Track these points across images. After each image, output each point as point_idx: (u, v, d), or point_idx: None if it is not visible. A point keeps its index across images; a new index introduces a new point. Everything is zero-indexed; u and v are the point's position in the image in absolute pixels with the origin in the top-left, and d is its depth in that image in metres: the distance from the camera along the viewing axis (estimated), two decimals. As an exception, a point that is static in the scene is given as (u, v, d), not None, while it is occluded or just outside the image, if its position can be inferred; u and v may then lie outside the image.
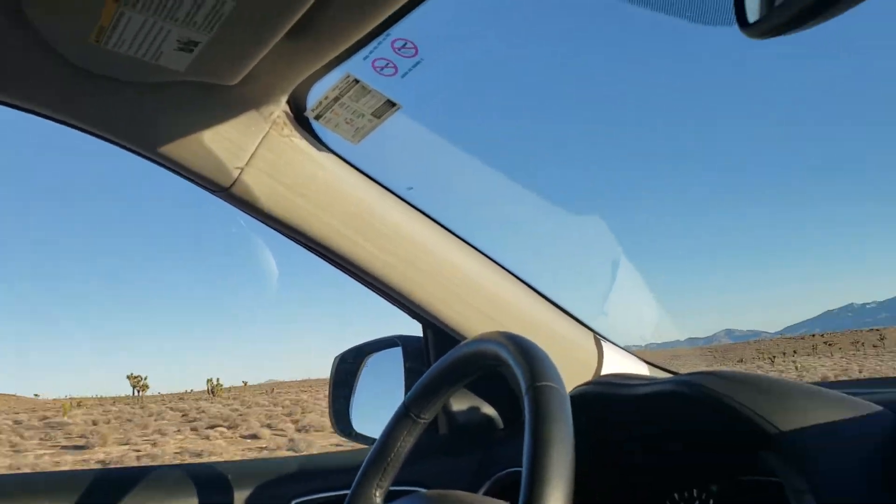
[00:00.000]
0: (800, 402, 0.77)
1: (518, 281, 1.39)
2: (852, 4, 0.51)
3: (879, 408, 0.79)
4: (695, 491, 1.07)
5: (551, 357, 1.39)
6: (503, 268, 1.38)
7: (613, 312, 1.61)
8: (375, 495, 0.96)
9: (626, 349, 1.56)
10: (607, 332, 1.53)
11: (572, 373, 1.37)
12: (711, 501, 1.04)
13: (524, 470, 0.64)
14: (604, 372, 1.43)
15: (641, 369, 1.52)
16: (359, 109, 1.09)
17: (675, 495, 1.10)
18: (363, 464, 0.98)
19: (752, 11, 0.60)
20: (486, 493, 1.30)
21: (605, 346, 1.48)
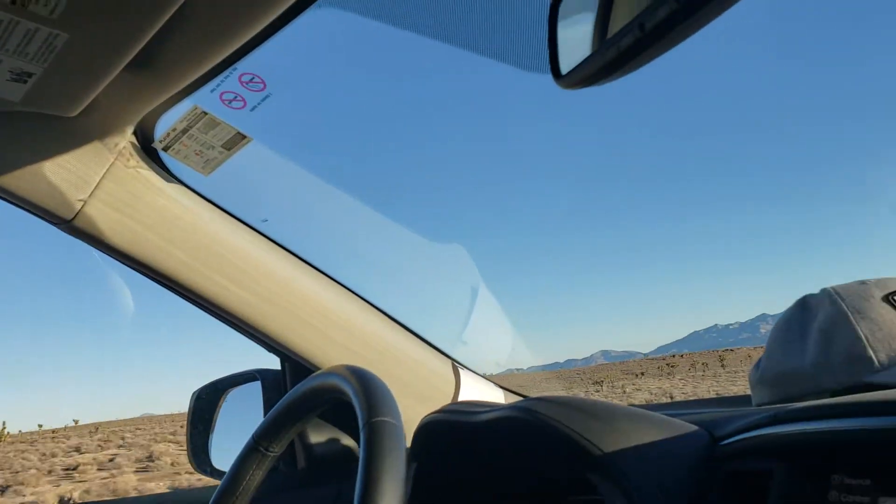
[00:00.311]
0: (623, 424, 0.82)
1: (376, 311, 1.41)
2: (657, 54, 0.56)
3: (696, 427, 0.85)
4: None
5: (410, 385, 1.41)
6: (361, 298, 1.39)
7: (472, 340, 1.65)
8: None
9: (496, 375, 1.60)
10: (466, 359, 1.57)
11: (429, 400, 1.40)
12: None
13: (355, 502, 0.65)
14: (460, 399, 1.47)
15: (497, 395, 1.57)
16: (208, 141, 1.08)
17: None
18: (212, 499, 0.97)
19: (565, 64, 0.65)
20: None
21: (463, 373, 1.52)
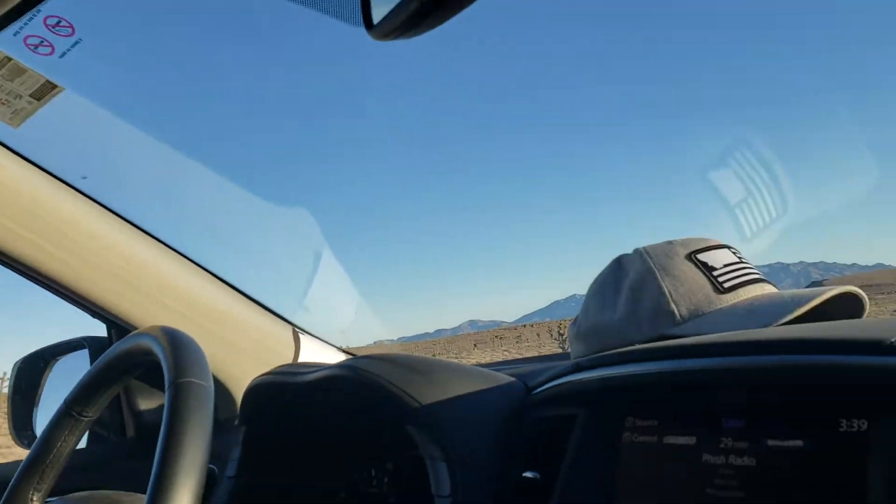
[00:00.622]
0: (442, 376, 0.84)
1: (210, 275, 1.37)
2: (465, 5, 0.56)
3: (513, 378, 0.89)
4: (372, 470, 1.12)
5: (246, 350, 1.38)
6: (194, 262, 1.35)
7: (315, 306, 1.64)
8: (32, 499, 0.89)
9: (365, 346, 1.60)
10: (309, 325, 1.55)
11: (267, 366, 1.38)
12: (387, 479, 1.10)
13: (153, 470, 0.63)
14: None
15: (339, 358, 1.57)
16: (15, 90, 1.00)
17: (355, 475, 1.15)
18: (21, 466, 0.91)
19: (377, 13, 0.64)
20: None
21: (304, 338, 1.50)
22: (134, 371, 0.89)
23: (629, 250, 1.09)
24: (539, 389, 0.82)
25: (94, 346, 1.45)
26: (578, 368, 0.77)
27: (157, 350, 0.75)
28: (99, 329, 1.41)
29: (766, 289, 0.99)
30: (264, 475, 1.06)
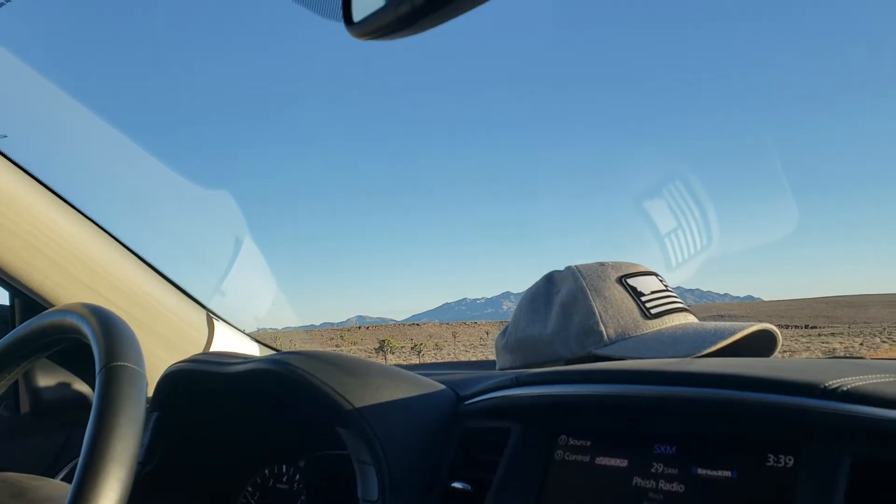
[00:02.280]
0: (376, 380, 0.83)
1: (126, 251, 1.31)
2: (452, 16, 0.56)
3: (443, 386, 0.89)
4: (284, 466, 1.10)
5: (158, 333, 1.33)
6: (111, 236, 1.29)
7: (231, 292, 1.59)
8: None
9: (249, 333, 1.56)
10: (223, 311, 1.51)
11: (178, 350, 1.33)
12: (298, 476, 1.08)
13: (82, 455, 0.60)
14: (213, 350, 1.41)
15: (252, 349, 1.53)
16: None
17: (266, 471, 1.12)
18: None
19: (358, 11, 0.63)
20: (64, 478, 1.21)
21: (218, 324, 1.46)
22: (50, 348, 0.84)
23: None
24: (472, 400, 0.83)
25: (-10, 313, 1.36)
26: (518, 383, 0.78)
27: (86, 329, 0.72)
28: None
29: (689, 318, 1.03)
30: (172, 464, 1.03)
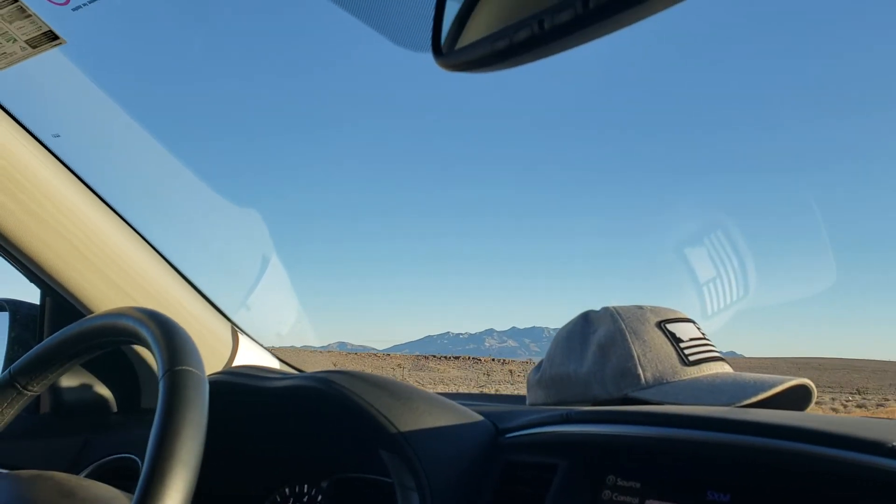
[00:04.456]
0: (420, 405, 0.83)
1: (162, 259, 1.32)
2: (547, 54, 0.57)
3: (481, 417, 0.89)
4: (305, 486, 1.10)
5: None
6: (148, 243, 1.30)
7: (256, 307, 1.59)
8: None
9: (277, 348, 1.56)
10: (247, 325, 1.51)
11: (204, 361, 1.33)
12: (320, 497, 1.08)
13: (148, 455, 0.60)
14: (236, 364, 1.41)
15: (274, 364, 1.53)
16: (11, 32, 0.95)
17: (286, 490, 1.12)
18: None
19: (449, 42, 0.64)
20: (86, 478, 1.20)
21: (242, 338, 1.46)
22: (97, 350, 0.84)
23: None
24: (516, 433, 0.83)
25: (18, 311, 1.36)
26: (568, 420, 0.78)
27: (146, 334, 0.72)
28: (29, 294, 1.34)
29: (726, 368, 1.03)
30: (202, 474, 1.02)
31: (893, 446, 0.56)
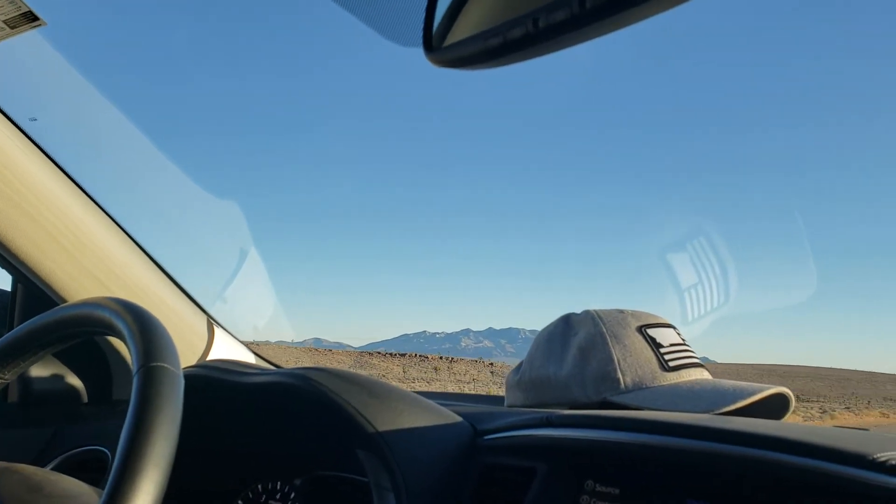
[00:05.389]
0: (399, 405, 0.82)
1: (138, 249, 1.29)
2: (541, 53, 0.56)
3: (460, 418, 0.88)
4: (279, 483, 1.08)
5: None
6: (125, 232, 1.27)
7: (232, 301, 1.58)
8: None
9: (253, 343, 1.54)
10: (222, 318, 1.50)
11: (179, 354, 1.31)
12: (293, 494, 1.06)
13: (119, 453, 0.58)
14: (211, 357, 1.40)
15: (250, 359, 1.52)
16: (-11, 12, 0.92)
17: (259, 486, 1.10)
18: None
19: (439, 38, 0.63)
20: (54, 470, 1.18)
21: (218, 331, 1.44)
22: (71, 340, 0.82)
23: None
24: (495, 435, 0.82)
25: (-13, 297, 1.33)
26: (549, 423, 0.77)
27: (121, 326, 0.70)
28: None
29: (705, 374, 1.03)
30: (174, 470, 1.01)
31: (874, 459, 0.56)
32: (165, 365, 0.65)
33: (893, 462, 0.56)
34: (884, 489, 0.54)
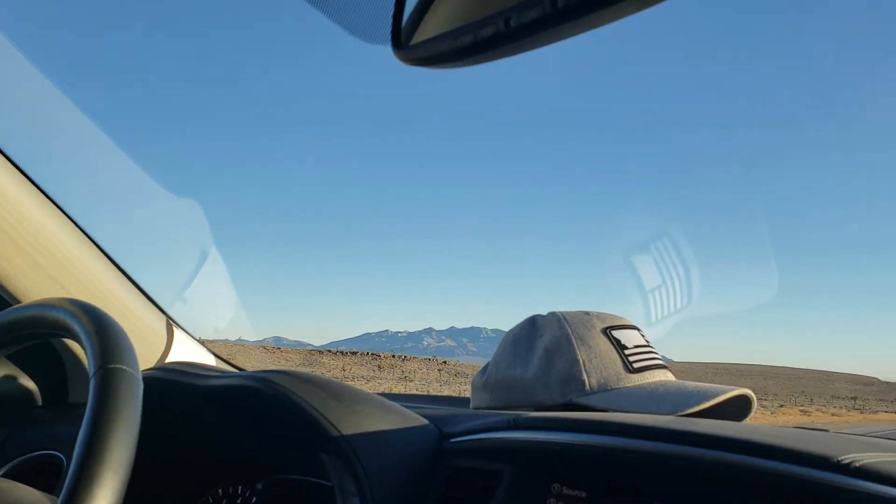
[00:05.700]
0: (363, 408, 0.81)
1: (95, 248, 1.26)
2: (512, 53, 0.56)
3: (426, 421, 0.87)
4: (240, 487, 1.06)
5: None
6: (81, 230, 1.24)
7: (192, 300, 1.54)
8: None
9: (214, 342, 1.51)
10: (182, 318, 1.47)
11: (138, 355, 1.28)
12: (254, 499, 1.04)
13: (75, 457, 0.57)
14: (171, 359, 1.37)
15: (210, 360, 1.49)
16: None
17: (220, 490, 1.08)
18: None
19: (411, 36, 0.62)
20: (3, 476, 1.14)
21: (177, 332, 1.42)
22: (25, 342, 0.80)
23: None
24: (461, 438, 0.81)
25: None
26: (515, 426, 0.77)
27: (77, 328, 0.68)
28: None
29: (668, 376, 1.04)
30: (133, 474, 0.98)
31: (839, 462, 0.57)
32: (123, 367, 0.63)
33: (858, 464, 0.56)
34: (849, 492, 0.54)
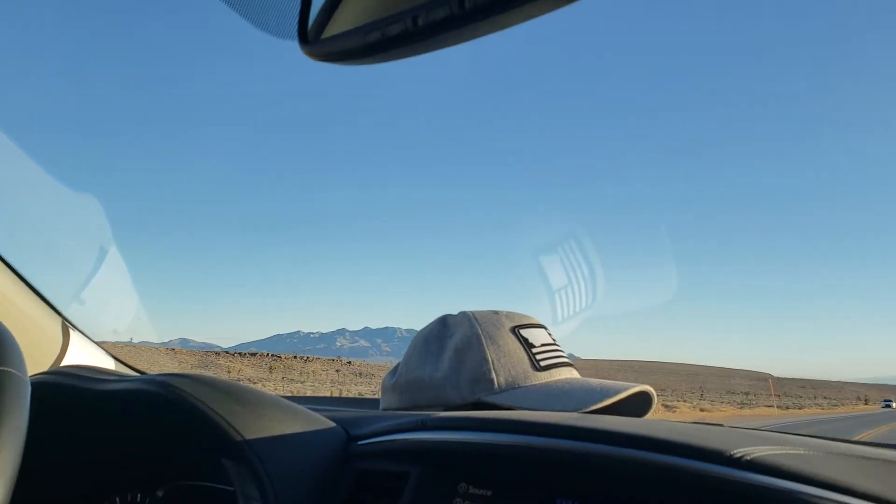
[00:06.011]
0: (267, 411, 0.79)
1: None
2: (420, 52, 0.55)
3: (333, 423, 0.86)
4: (139, 495, 1.02)
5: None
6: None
7: (90, 301, 1.48)
8: None
9: (114, 344, 1.45)
10: (79, 320, 1.40)
11: (29, 359, 1.21)
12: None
13: None
14: (66, 362, 1.31)
15: (108, 364, 1.43)
16: None
17: (118, 498, 1.04)
18: None
19: (318, 31, 0.61)
20: None
21: (74, 334, 1.35)
22: None
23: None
24: (368, 440, 0.80)
25: None
26: (422, 426, 0.76)
27: None
28: None
29: (574, 373, 1.06)
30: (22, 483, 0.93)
31: (731, 455, 0.59)
32: (10, 370, 0.60)
33: (748, 458, 0.58)
34: (740, 484, 0.56)
